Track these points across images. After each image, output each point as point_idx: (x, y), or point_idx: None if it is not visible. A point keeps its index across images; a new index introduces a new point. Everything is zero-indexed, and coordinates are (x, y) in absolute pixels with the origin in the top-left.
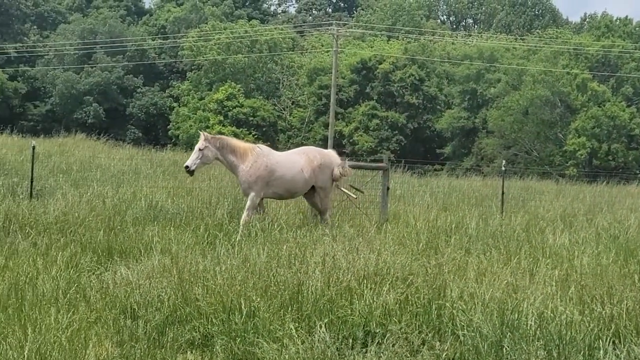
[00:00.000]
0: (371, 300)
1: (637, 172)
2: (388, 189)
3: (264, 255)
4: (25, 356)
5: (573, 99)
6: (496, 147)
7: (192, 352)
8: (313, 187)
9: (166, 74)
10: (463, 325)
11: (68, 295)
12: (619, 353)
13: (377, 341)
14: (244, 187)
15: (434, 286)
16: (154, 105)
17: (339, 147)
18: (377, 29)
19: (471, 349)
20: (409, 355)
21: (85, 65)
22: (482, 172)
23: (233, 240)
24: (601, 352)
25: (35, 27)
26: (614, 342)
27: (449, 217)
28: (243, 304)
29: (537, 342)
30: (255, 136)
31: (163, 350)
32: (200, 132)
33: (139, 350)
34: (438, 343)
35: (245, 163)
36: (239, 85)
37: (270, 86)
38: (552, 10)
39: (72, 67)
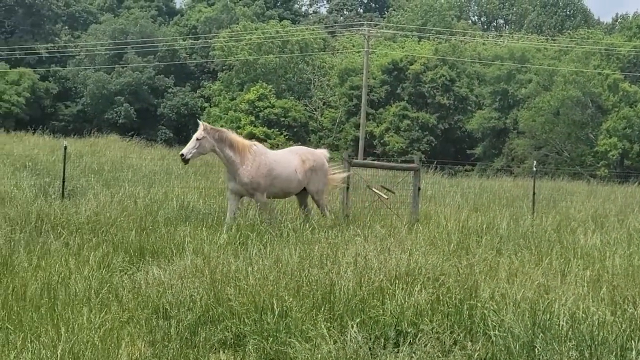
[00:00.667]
0: (403, 300)
1: None
2: (419, 189)
3: (296, 256)
4: (59, 356)
5: (604, 99)
6: (527, 147)
7: (224, 352)
8: (304, 189)
9: (197, 74)
10: (495, 326)
11: (100, 295)
12: None
13: (408, 341)
14: (247, 189)
15: (465, 286)
16: (185, 106)
17: (369, 148)
18: (408, 29)
19: (503, 349)
20: (440, 355)
21: (117, 66)
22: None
23: (265, 240)
24: (633, 352)
25: (66, 27)
26: None
27: (480, 218)
28: (275, 304)
29: (569, 343)
30: (287, 137)
31: (195, 350)
32: (199, 122)
33: (172, 350)
34: (470, 343)
35: (246, 163)
36: (270, 86)
37: (301, 87)
38: (584, 10)
39: (103, 67)
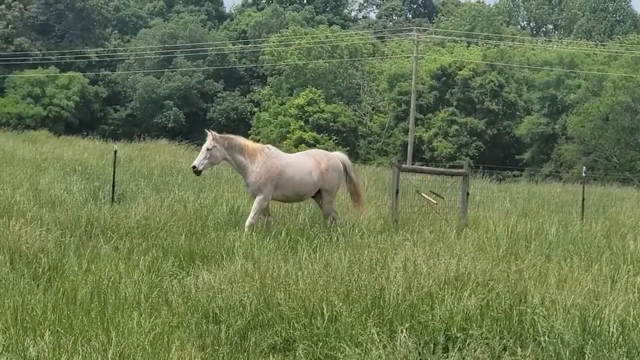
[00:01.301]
0: (452, 306)
1: None
2: (468, 194)
3: (345, 260)
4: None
5: None
6: (576, 153)
7: (274, 357)
8: (319, 191)
9: (247, 78)
10: (544, 332)
11: (150, 299)
12: None
13: (458, 346)
14: (252, 189)
15: (515, 292)
16: (234, 110)
17: (418, 153)
18: (457, 34)
19: (553, 355)
20: None
21: (166, 70)
22: (562, 178)
23: (315, 245)
24: None
25: (116, 31)
26: None
27: (529, 223)
28: (325, 309)
29: (619, 350)
30: (336, 142)
31: (245, 354)
32: (208, 132)
33: (222, 355)
34: (519, 349)
35: (255, 164)
36: (320, 91)
37: (350, 92)
38: (633, 16)
39: (153, 72)
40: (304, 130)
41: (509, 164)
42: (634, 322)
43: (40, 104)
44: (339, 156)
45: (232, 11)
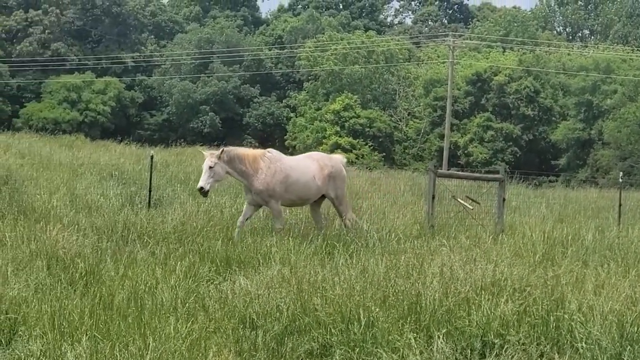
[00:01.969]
0: (489, 311)
1: None
2: (504, 200)
3: (382, 266)
4: None
5: None
6: (612, 158)
7: None
8: (322, 196)
9: (283, 83)
10: (582, 338)
11: (187, 304)
12: None
13: (495, 352)
14: (262, 196)
15: (552, 298)
16: (270, 115)
17: (453, 158)
18: (492, 40)
19: None
20: None
21: (202, 75)
22: (598, 184)
23: (351, 250)
24: None
25: (152, 36)
26: None
27: (565, 229)
28: (362, 314)
29: None
30: (372, 147)
31: None
32: (203, 152)
33: None
34: (557, 355)
35: (259, 171)
36: (356, 96)
37: (386, 97)
38: None
39: (189, 77)
40: (340, 136)
41: (545, 170)
42: None
43: (77, 109)
44: (340, 160)
45: (268, 16)
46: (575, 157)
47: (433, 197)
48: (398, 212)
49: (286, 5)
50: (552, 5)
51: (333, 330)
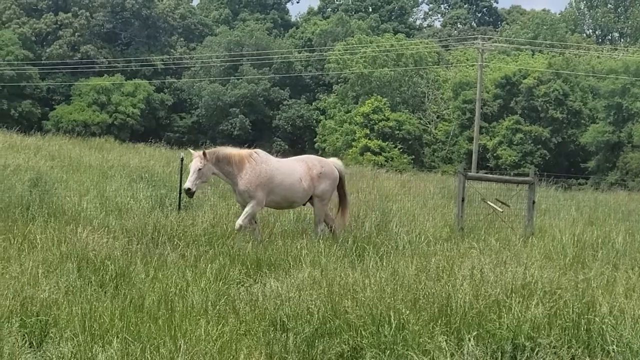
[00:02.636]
0: (519, 314)
1: None
2: (534, 202)
3: (412, 268)
4: None
5: None
6: None
7: None
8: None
9: (312, 86)
10: (613, 341)
11: (217, 307)
12: None
13: (526, 355)
14: (244, 197)
15: (582, 301)
16: (300, 118)
17: (482, 161)
18: (521, 43)
19: None
20: None
21: (232, 77)
22: (628, 187)
23: (381, 252)
24: None
25: (182, 39)
26: None
27: (595, 232)
28: (392, 317)
29: None
30: (401, 150)
31: None
32: (192, 152)
33: None
34: (588, 358)
35: (243, 171)
36: (385, 99)
37: (415, 100)
38: None
39: (219, 79)
40: (369, 138)
41: (574, 173)
42: None
43: (106, 111)
44: (335, 163)
45: (298, 19)
46: (604, 159)
47: (463, 200)
48: (428, 215)
49: (316, 8)
50: (582, 8)
51: (364, 333)
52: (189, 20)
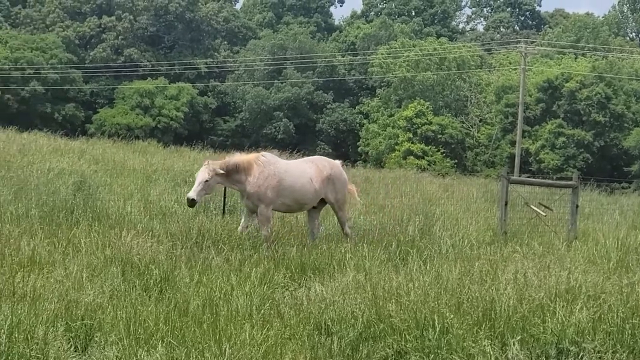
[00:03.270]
0: (563, 318)
1: None
2: (577, 206)
3: (455, 272)
4: None
5: None
6: None
7: None
8: (321, 201)
9: (356, 90)
10: None
11: (262, 311)
12: None
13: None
14: (252, 200)
15: (627, 305)
16: (343, 122)
17: (524, 165)
18: (564, 46)
19: None
20: None
21: (275, 81)
22: None
23: (425, 256)
24: None
25: (225, 42)
26: None
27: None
28: (436, 320)
29: None
30: (443, 154)
31: None
32: (204, 163)
33: None
34: None
35: (251, 175)
36: (428, 103)
37: (458, 103)
38: None
39: (262, 83)
40: (412, 142)
41: (617, 176)
42: None
43: (150, 114)
44: (340, 164)
45: (341, 23)
46: None
47: (506, 204)
48: (471, 219)
49: (359, 12)
50: (625, 11)
51: (408, 337)
52: (232, 24)
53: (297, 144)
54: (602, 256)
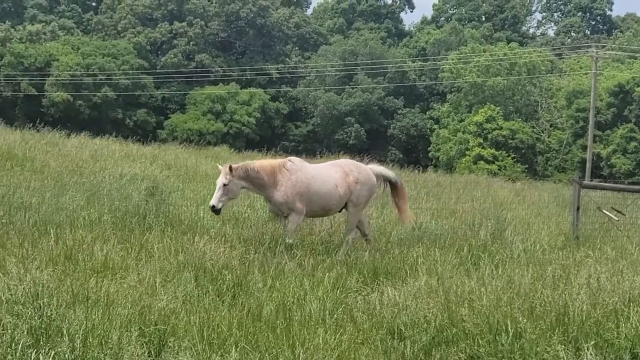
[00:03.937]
0: (638, 324)
1: None
2: None
3: (528, 277)
4: None
5: None
6: None
7: None
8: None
9: (426, 95)
10: None
11: (335, 315)
12: None
13: None
14: (282, 209)
15: None
16: (414, 127)
17: (596, 170)
18: (636, 50)
19: None
20: None
21: (346, 86)
22: None
23: (496, 260)
24: None
25: (296, 48)
26: None
27: None
28: (509, 325)
29: None
30: (514, 159)
31: None
32: (220, 167)
33: None
34: None
35: (279, 183)
36: (498, 108)
37: (528, 108)
38: None
39: (333, 88)
40: (483, 147)
41: None
42: None
43: (221, 120)
44: (374, 169)
45: (412, 29)
46: None
47: (578, 208)
48: (542, 223)
49: (429, 18)
50: None
51: (480, 341)
52: (303, 30)
53: (368, 149)
54: None
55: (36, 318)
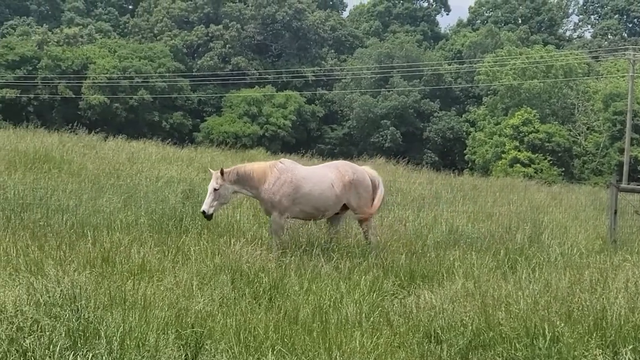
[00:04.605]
0: None
1: None
2: None
3: (565, 280)
4: None
5: None
6: None
7: None
8: (344, 207)
9: (462, 98)
10: None
11: (371, 318)
12: None
13: None
14: (266, 207)
15: None
16: (450, 130)
17: (633, 173)
18: None
19: None
20: None
21: (382, 89)
22: None
23: (533, 264)
24: None
25: (332, 51)
26: None
27: None
28: (547, 329)
29: None
30: (550, 162)
31: None
32: (211, 171)
33: None
34: None
35: (266, 183)
36: (535, 111)
37: (565, 111)
38: None
39: (369, 91)
40: (519, 150)
41: None
42: None
43: (257, 122)
44: (368, 171)
45: (448, 31)
46: None
47: (615, 212)
48: (579, 227)
49: (465, 20)
50: None
51: (518, 345)
52: (339, 32)
53: (404, 152)
54: None
55: (74, 320)
